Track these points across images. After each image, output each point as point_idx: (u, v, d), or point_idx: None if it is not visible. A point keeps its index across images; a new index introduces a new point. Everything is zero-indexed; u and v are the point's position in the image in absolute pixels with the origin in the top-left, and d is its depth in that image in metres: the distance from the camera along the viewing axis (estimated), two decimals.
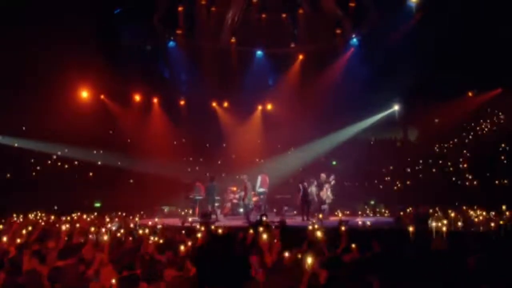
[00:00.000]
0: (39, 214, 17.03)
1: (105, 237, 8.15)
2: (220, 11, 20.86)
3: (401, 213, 16.62)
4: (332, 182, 17.26)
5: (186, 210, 18.73)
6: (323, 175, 17.56)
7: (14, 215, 15.69)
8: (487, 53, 18.76)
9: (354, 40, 22.00)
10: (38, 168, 22.43)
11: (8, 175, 21.08)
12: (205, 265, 2.00)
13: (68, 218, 15.12)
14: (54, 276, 5.56)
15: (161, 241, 7.92)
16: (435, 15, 18.46)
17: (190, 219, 14.15)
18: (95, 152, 23.13)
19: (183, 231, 9.64)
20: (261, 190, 17.56)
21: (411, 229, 9.08)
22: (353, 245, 6.52)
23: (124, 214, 17.06)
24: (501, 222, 10.68)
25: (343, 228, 8.38)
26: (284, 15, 21.44)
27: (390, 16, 19.69)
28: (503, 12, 17.95)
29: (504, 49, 18.33)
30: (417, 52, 19.39)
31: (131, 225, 12.35)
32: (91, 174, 22.96)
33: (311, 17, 21.08)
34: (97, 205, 22.10)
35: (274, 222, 11.44)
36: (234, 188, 19.18)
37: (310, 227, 9.01)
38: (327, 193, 17.03)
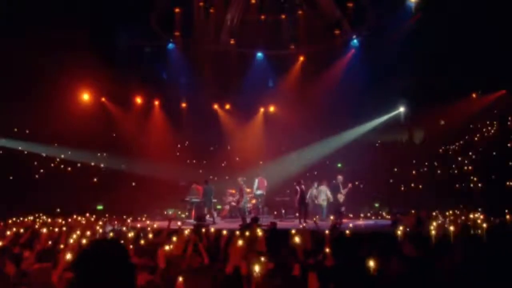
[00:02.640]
0: (40, 216, 17.06)
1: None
2: (219, 13, 20.76)
3: (399, 216, 16.33)
4: (350, 186, 17.13)
5: (187, 213, 18.67)
6: (340, 177, 17.40)
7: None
8: (490, 54, 18.45)
9: (355, 41, 21.81)
10: (40, 170, 22.51)
11: (11, 178, 21.13)
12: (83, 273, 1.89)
13: (63, 221, 15.08)
14: (17, 279, 5.47)
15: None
16: (437, 15, 18.23)
17: (178, 222, 14.06)
18: (98, 154, 23.17)
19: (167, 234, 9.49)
20: (259, 192, 17.55)
21: (399, 233, 8.90)
22: (327, 250, 6.34)
23: (113, 217, 16.98)
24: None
25: (327, 232, 8.23)
26: (283, 16, 21.30)
27: (390, 17, 19.51)
28: (505, 11, 17.67)
29: (507, 50, 18.04)
30: (420, 53, 19.17)
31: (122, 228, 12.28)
32: (93, 177, 22.96)
33: (311, 18, 20.91)
34: (99, 207, 22.10)
35: (263, 225, 11.30)
36: (233, 191, 19.07)
37: (293, 231, 8.84)
38: (343, 196, 16.92)
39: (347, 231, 9.13)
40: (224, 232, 8.77)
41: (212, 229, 9.51)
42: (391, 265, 5.28)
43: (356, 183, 22.40)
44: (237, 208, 16.93)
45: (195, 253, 7.66)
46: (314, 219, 14.02)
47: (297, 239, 7.21)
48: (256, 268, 4.48)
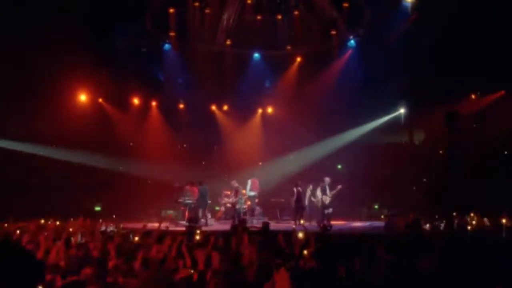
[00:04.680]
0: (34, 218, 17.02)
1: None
2: (214, 13, 20.66)
3: (393, 217, 16.25)
4: (338, 187, 17.01)
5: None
6: (327, 179, 17.29)
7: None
8: (489, 55, 18.30)
9: (352, 41, 21.70)
10: (39, 172, 22.54)
11: (9, 179, 21.13)
12: None
13: (57, 223, 15.08)
14: None
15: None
16: (435, 15, 18.08)
17: (168, 224, 14.02)
18: (96, 156, 23.13)
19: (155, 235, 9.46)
20: (252, 194, 17.57)
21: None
22: (305, 252, 6.29)
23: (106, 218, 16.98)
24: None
25: (312, 233, 8.18)
26: (279, 17, 21.15)
27: (387, 17, 19.37)
28: (505, 11, 17.51)
29: (506, 50, 17.87)
30: (419, 53, 19.02)
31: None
32: (91, 178, 22.94)
33: (307, 19, 20.80)
34: (97, 209, 22.10)
35: (253, 227, 11.25)
36: (229, 192, 19.01)
37: (279, 232, 8.79)
38: (329, 198, 16.80)
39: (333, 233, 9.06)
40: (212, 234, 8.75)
41: (200, 231, 9.47)
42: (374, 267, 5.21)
43: (361, 187, 22.43)
44: (232, 210, 16.90)
45: (179, 255, 7.63)
46: (302, 221, 13.99)
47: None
48: None
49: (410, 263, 5.61)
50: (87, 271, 6.35)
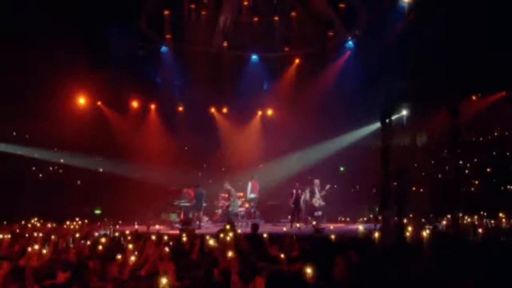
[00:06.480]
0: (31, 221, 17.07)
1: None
2: (211, 15, 20.58)
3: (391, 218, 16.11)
4: (327, 187, 16.94)
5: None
6: (316, 181, 17.25)
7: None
8: (489, 55, 18.11)
9: (350, 42, 21.54)
10: (39, 175, 22.64)
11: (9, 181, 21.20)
12: None
13: (52, 226, 15.13)
14: None
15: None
16: (435, 15, 17.91)
17: (157, 226, 14.02)
18: (96, 159, 23.20)
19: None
20: (252, 196, 17.48)
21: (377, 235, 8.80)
22: (282, 256, 6.21)
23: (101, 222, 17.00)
24: None
25: (294, 236, 8.10)
26: (276, 18, 21.00)
27: (385, 17, 19.19)
28: (505, 11, 17.32)
29: (506, 50, 17.68)
30: (418, 54, 18.84)
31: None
32: (91, 181, 23.00)
33: (304, 20, 20.65)
34: (97, 212, 22.13)
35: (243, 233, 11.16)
36: (226, 195, 18.97)
37: (265, 235, 8.69)
38: (318, 200, 16.73)
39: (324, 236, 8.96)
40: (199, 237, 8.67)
41: (185, 234, 9.42)
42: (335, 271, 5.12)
43: (364, 190, 22.31)
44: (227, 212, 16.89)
45: (161, 259, 7.56)
46: (298, 225, 13.87)
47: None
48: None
49: (393, 268, 5.52)
50: (64, 275, 6.33)
